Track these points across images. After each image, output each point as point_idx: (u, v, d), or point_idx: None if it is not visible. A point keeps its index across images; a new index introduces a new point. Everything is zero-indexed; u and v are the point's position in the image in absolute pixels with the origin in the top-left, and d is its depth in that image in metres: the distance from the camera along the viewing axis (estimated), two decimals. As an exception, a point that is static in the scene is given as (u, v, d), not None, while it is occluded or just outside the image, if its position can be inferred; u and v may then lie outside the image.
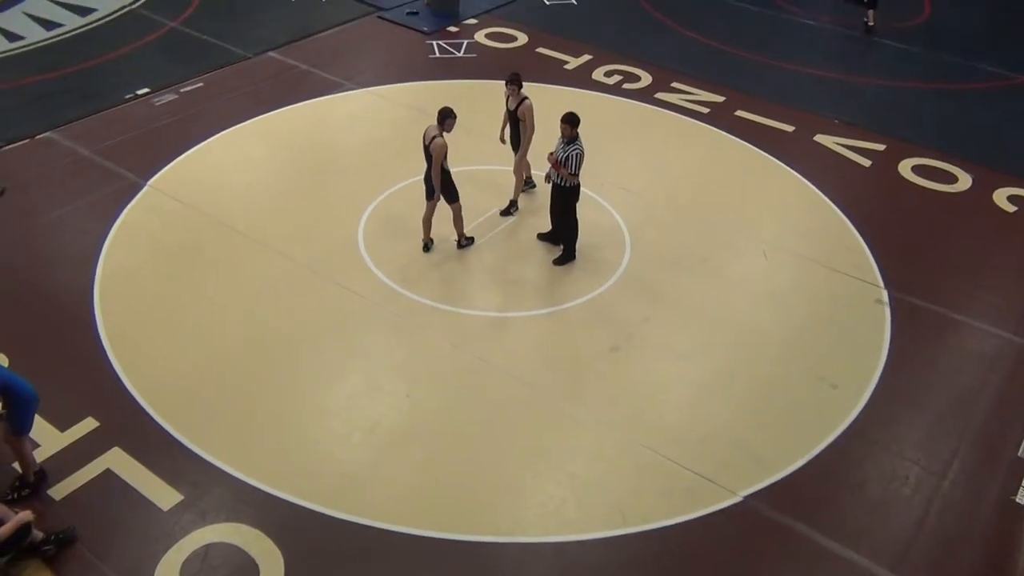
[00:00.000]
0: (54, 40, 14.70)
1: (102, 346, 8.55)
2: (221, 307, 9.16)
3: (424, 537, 6.96)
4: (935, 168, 12.27)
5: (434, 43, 15.25)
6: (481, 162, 10.37)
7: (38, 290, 9.25)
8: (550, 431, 7.97)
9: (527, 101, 10.23)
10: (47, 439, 7.49)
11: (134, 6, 16.06)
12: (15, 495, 6.96)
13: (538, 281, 9.83)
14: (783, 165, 12.19)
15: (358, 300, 9.33)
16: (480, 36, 15.57)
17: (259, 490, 7.24)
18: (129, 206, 10.58)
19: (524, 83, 10.29)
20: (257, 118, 12.62)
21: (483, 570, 6.78)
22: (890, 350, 9.06)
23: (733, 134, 12.87)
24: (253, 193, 11.01)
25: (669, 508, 7.29)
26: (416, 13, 16.25)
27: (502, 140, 10.79)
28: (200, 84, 13.48)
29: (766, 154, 12.42)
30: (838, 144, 12.76)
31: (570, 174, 9.45)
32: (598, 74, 14.37)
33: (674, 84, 14.14)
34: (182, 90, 13.27)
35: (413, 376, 8.47)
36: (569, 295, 9.60)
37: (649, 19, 17.06)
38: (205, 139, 12.03)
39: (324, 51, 14.75)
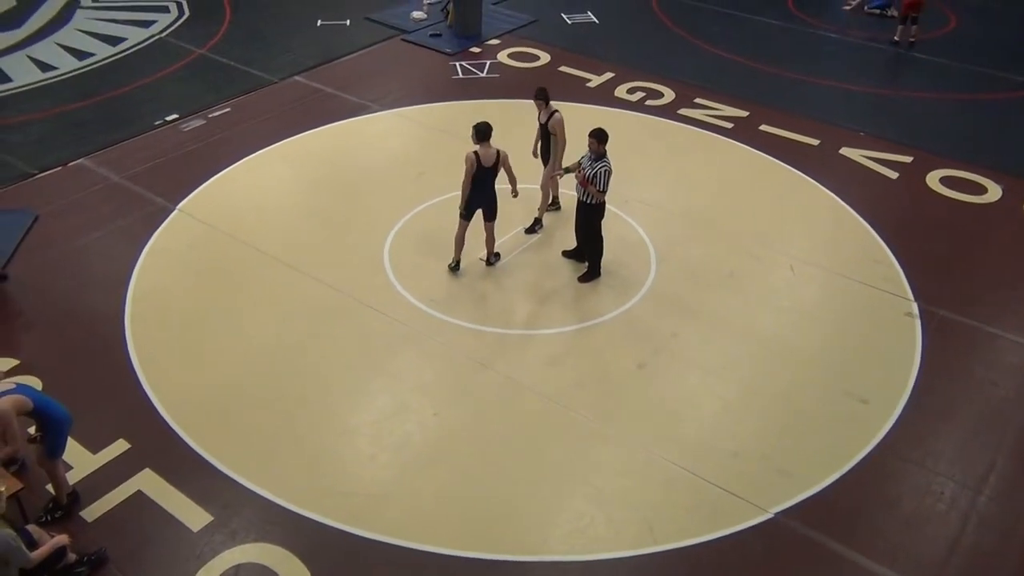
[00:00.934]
0: (86, 69, 15.01)
1: (133, 368, 8.66)
2: (250, 329, 9.25)
3: (452, 556, 6.94)
4: (963, 179, 12.14)
5: (457, 64, 15.38)
6: (506, 180, 10.39)
7: (71, 314, 9.40)
8: (577, 448, 7.93)
9: (557, 114, 10.29)
10: (79, 461, 7.58)
11: (163, 35, 16.38)
12: (48, 517, 7.04)
13: (564, 298, 9.83)
14: (809, 179, 12.12)
15: (385, 320, 9.37)
16: (503, 56, 15.68)
17: (288, 510, 7.27)
18: (159, 230, 10.74)
19: (554, 98, 10.42)
20: (284, 141, 12.77)
21: (512, 589, 6.75)
22: (921, 364, 8.94)
23: (758, 148, 12.83)
24: (281, 215, 11.13)
25: (699, 525, 7.22)
26: (439, 35, 16.41)
27: (534, 154, 10.84)
28: (228, 109, 13.68)
29: (791, 168, 12.36)
30: (864, 157, 12.67)
31: (598, 191, 9.45)
32: (621, 91, 14.40)
33: (697, 100, 14.14)
34: (210, 115, 13.48)
35: (440, 395, 8.48)
36: (595, 312, 9.59)
37: (671, 35, 17.10)
38: (233, 163, 12.20)
39: (349, 74, 14.93)
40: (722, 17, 18.09)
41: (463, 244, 9.95)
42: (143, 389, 8.42)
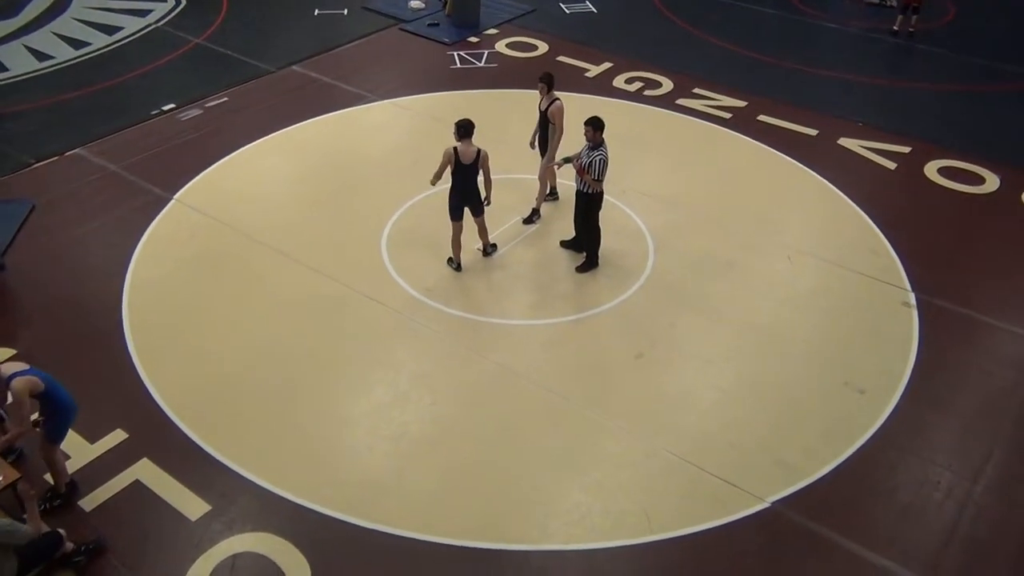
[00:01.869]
0: (82, 59, 14.96)
1: (131, 358, 8.65)
2: (247, 319, 9.24)
3: (450, 545, 6.96)
4: (962, 170, 12.14)
5: (455, 54, 15.33)
6: (504, 171, 10.39)
7: (68, 303, 9.38)
8: (576, 438, 7.95)
9: (557, 102, 10.27)
10: (77, 451, 7.58)
11: (160, 24, 16.32)
12: (46, 506, 7.04)
13: (562, 288, 9.82)
14: (807, 169, 12.11)
15: (382, 310, 9.37)
16: (501, 46, 15.63)
17: (286, 500, 7.28)
18: (156, 220, 10.72)
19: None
20: (281, 131, 12.74)
21: (509, 578, 6.78)
22: (918, 354, 8.96)
23: (756, 139, 12.81)
24: (278, 205, 11.11)
25: (696, 515, 7.24)
26: (437, 25, 16.36)
27: (532, 145, 10.82)
28: (225, 99, 13.64)
29: (790, 158, 12.35)
30: (863, 147, 12.66)
31: (594, 180, 9.44)
32: (619, 81, 14.37)
33: (695, 90, 14.11)
34: (207, 105, 13.44)
35: (438, 385, 8.49)
36: (593, 302, 9.59)
37: (669, 26, 17.06)
38: (230, 153, 12.17)
39: (347, 64, 14.88)
40: (721, 6, 18.05)
41: (460, 246, 9.91)
42: (141, 379, 8.41)
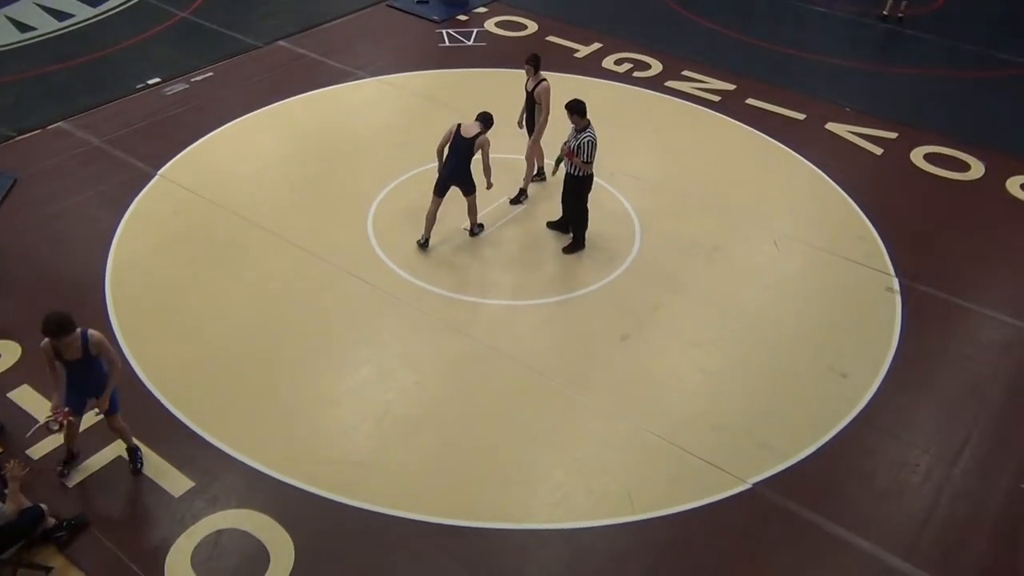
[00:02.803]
0: (66, 31, 14.74)
1: (114, 334, 8.59)
2: (232, 295, 9.20)
3: (433, 524, 6.99)
4: (948, 156, 12.19)
5: (444, 32, 15.22)
6: (492, 151, 10.33)
7: (50, 279, 9.31)
8: (560, 419, 7.98)
9: (544, 83, 10.27)
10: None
11: (145, -4, 16.10)
12: (138, 465, 7.28)
13: (548, 269, 9.83)
14: (794, 153, 12.13)
15: (368, 288, 9.35)
16: (490, 24, 15.52)
17: (270, 477, 7.29)
18: (140, 195, 10.63)
19: (541, 68, 10.38)
20: (268, 107, 12.64)
21: (491, 556, 6.81)
22: (900, 338, 9.03)
23: (744, 122, 12.81)
24: (263, 182, 11.03)
25: (678, 495, 7.30)
26: (426, 2, 16.21)
27: (519, 125, 10.80)
28: (211, 74, 13.50)
29: (777, 142, 12.36)
30: (850, 132, 12.68)
31: (583, 163, 9.43)
32: (608, 62, 14.32)
33: (684, 72, 14.07)
34: (193, 79, 13.30)
35: (422, 364, 8.49)
36: (579, 283, 9.60)
37: (659, 7, 16.96)
38: (216, 128, 12.06)
39: (334, 40, 14.75)
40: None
41: (434, 222, 9.87)
42: (124, 355, 8.36)
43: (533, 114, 10.49)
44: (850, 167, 11.88)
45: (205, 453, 7.47)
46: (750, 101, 13.33)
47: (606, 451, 7.68)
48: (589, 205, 9.87)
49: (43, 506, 6.59)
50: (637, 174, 11.40)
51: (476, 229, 10.17)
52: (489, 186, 9.86)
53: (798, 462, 7.65)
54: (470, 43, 14.89)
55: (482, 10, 16.09)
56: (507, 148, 10.72)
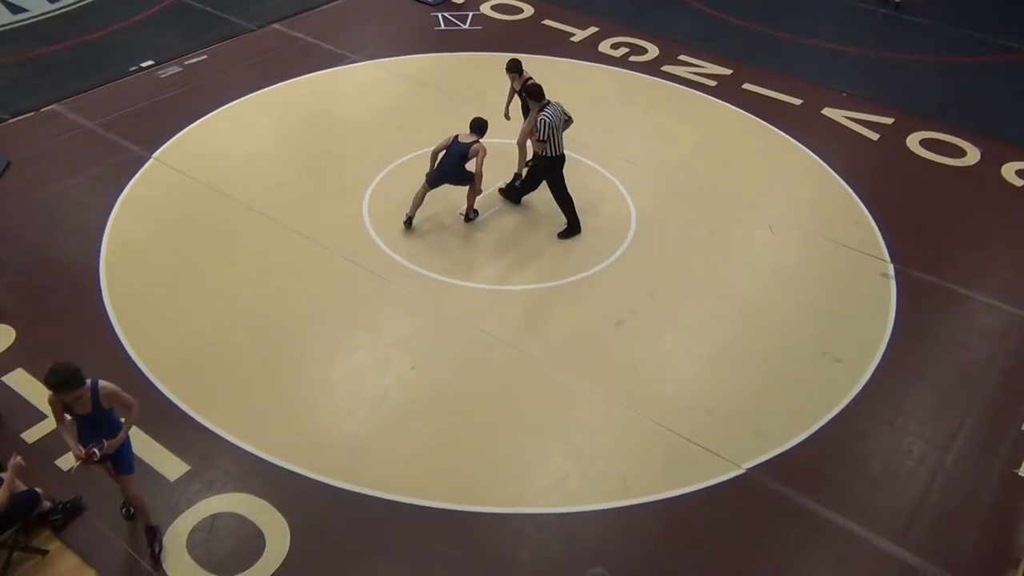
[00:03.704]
0: (58, 12, 14.62)
1: (108, 318, 8.59)
2: (226, 279, 9.19)
3: (428, 508, 7.01)
4: (944, 142, 12.18)
5: (439, 15, 15.13)
6: (485, 136, 10.31)
7: (44, 263, 9.28)
8: (555, 404, 7.99)
9: (531, 81, 10.19)
10: (55, 410, 7.54)
11: (138, -22, 15.95)
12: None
13: (544, 255, 9.82)
14: (790, 139, 12.11)
15: (363, 273, 9.33)
16: (486, 8, 15.42)
17: (265, 461, 7.30)
18: (134, 179, 10.58)
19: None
20: (262, 91, 12.57)
21: (487, 540, 6.84)
22: (895, 324, 9.04)
23: (740, 107, 12.78)
24: (258, 165, 10.99)
25: (673, 480, 7.33)
26: (421, -15, 16.09)
27: (506, 116, 10.79)
28: (204, 56, 13.42)
29: (773, 127, 12.34)
30: (846, 117, 12.66)
31: (539, 140, 9.52)
32: (604, 46, 14.25)
33: (681, 57, 14.02)
34: (186, 62, 13.22)
35: (418, 349, 8.49)
36: (575, 268, 9.59)
37: (656, -9, 16.87)
38: (209, 112, 12.00)
39: (329, 23, 14.66)
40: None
41: (420, 202, 9.88)
42: (119, 339, 8.36)
43: (526, 104, 10.46)
44: (846, 152, 11.86)
45: (201, 437, 7.47)
46: (747, 86, 13.29)
47: (601, 436, 7.70)
48: (584, 191, 9.83)
49: (38, 490, 6.58)
50: (633, 159, 11.38)
51: (471, 215, 10.15)
52: (478, 192, 9.91)
53: (792, 447, 7.68)
54: (465, 27, 14.81)
55: (478, -7, 15.99)
56: (498, 135, 10.65)
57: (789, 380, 8.37)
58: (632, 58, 13.97)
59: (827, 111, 12.81)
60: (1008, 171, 11.61)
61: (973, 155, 11.94)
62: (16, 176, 10.56)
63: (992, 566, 6.88)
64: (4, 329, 8.37)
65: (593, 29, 14.78)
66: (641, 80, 13.41)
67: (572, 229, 10.00)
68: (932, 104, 13.15)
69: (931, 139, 12.22)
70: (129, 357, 8.17)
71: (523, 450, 7.56)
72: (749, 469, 7.46)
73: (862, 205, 10.80)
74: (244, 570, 6.50)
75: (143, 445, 7.31)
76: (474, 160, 9.64)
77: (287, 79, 12.88)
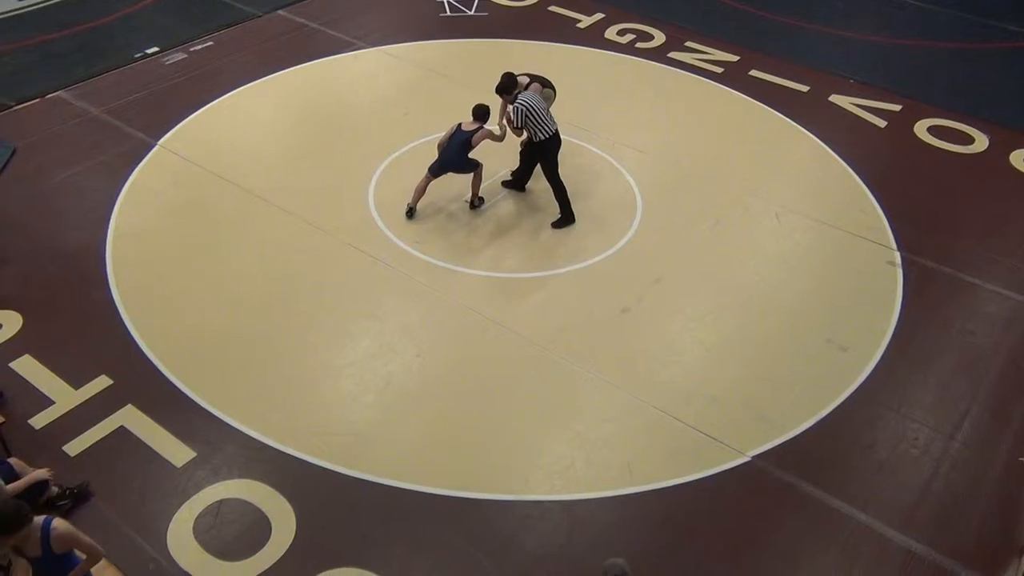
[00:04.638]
0: (63, -2, 14.62)
1: (115, 304, 8.61)
2: (232, 266, 9.20)
3: (434, 495, 7.03)
4: (951, 129, 12.11)
5: (445, 2, 15.06)
6: (491, 123, 10.29)
7: (51, 250, 9.30)
8: (560, 391, 8.00)
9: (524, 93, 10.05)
10: (61, 396, 7.58)
11: (143, -36, 15.92)
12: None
13: (549, 242, 9.81)
14: (797, 126, 12.06)
15: (369, 260, 9.34)
16: (492, -6, 15.37)
17: (271, 448, 7.33)
18: (140, 166, 10.59)
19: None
20: (267, 77, 12.55)
21: (492, 526, 6.86)
22: (901, 312, 9.02)
23: (747, 94, 12.72)
24: (264, 152, 10.98)
25: (678, 468, 7.34)
26: (427, -29, 16.01)
27: (500, 125, 10.68)
28: (210, 43, 13.40)
29: (780, 114, 12.28)
30: (853, 104, 12.59)
31: (515, 128, 9.56)
32: (611, 33, 14.19)
33: (688, 43, 13.95)
34: (192, 49, 13.20)
35: (424, 337, 8.50)
36: (580, 256, 9.58)
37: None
38: (215, 98, 11.99)
39: (335, 9, 14.61)
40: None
41: (422, 194, 9.88)
42: (125, 326, 8.38)
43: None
44: (853, 140, 11.81)
45: (207, 424, 7.50)
46: (753, 73, 13.22)
47: (606, 423, 7.71)
48: (588, 176, 9.81)
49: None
50: (639, 146, 11.34)
51: (476, 202, 10.14)
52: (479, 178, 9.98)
53: (797, 435, 7.68)
54: (471, 13, 14.75)
55: (484, -21, 15.91)
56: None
57: (794, 368, 8.35)
58: (639, 44, 13.91)
59: (834, 98, 12.74)
60: (1016, 158, 11.54)
61: (981, 142, 11.87)
62: (22, 163, 10.57)
63: (997, 553, 6.88)
64: (11, 315, 8.40)
65: (599, 15, 14.71)
66: (647, 67, 13.34)
67: (565, 219, 9.94)
68: (940, 91, 13.07)
69: (939, 126, 12.15)
70: (135, 342, 8.20)
71: (528, 437, 7.57)
72: (754, 457, 7.46)
73: (869, 192, 10.75)
74: (250, 556, 6.53)
75: (150, 430, 7.36)
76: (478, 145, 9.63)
77: (293, 66, 12.85)
